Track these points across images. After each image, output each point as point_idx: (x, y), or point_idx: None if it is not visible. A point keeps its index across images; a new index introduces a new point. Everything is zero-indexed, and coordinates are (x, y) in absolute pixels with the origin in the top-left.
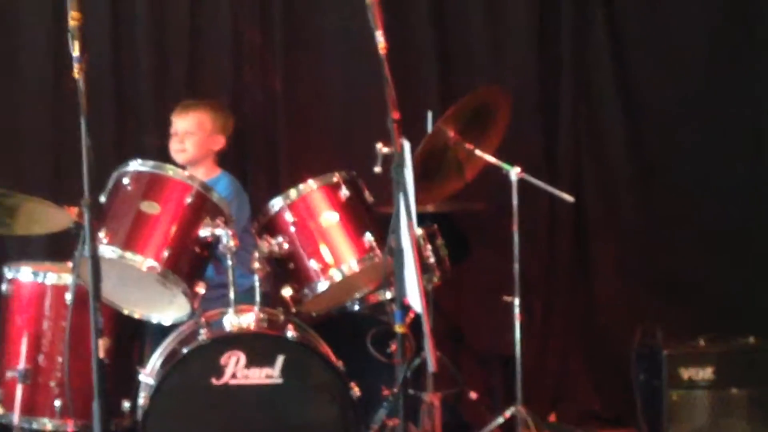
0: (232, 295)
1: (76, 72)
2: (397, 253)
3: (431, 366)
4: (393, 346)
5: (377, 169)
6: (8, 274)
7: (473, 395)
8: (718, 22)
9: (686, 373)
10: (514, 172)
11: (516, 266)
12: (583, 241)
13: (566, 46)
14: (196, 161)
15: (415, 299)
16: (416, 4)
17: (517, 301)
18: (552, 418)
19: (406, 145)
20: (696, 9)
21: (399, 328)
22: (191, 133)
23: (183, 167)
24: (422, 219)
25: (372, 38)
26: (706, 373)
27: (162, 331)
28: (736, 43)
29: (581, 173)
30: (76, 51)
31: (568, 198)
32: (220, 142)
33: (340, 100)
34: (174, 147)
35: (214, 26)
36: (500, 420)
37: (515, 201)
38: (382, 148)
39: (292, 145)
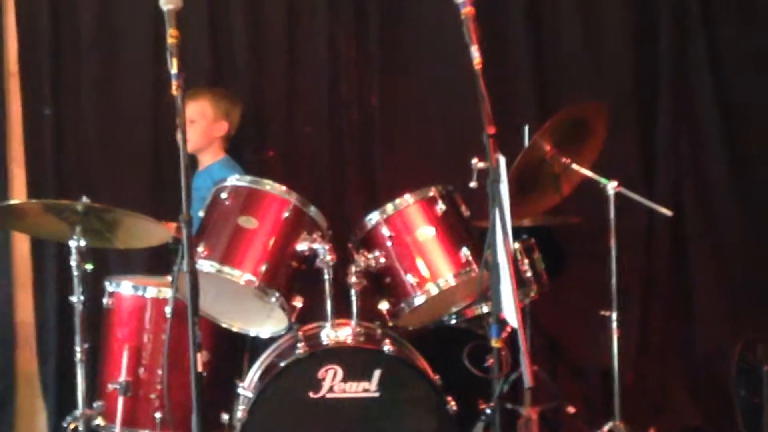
0: (329, 308)
1: (174, 89)
2: (493, 268)
3: (527, 381)
4: (490, 361)
5: (473, 184)
6: (109, 287)
7: (571, 409)
8: None
9: None
10: (611, 186)
11: (613, 280)
12: (681, 254)
13: (664, 59)
14: (200, 148)
15: (510, 314)
16: (511, 19)
17: (614, 316)
18: None
19: (502, 160)
20: None
21: (495, 343)
22: (193, 121)
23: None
24: (519, 233)
25: (467, 53)
26: None
27: (260, 345)
28: None
29: (680, 187)
30: (174, 68)
31: (666, 212)
32: (223, 128)
33: (435, 115)
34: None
35: (312, 44)
36: None
37: (612, 215)
38: (477, 163)
39: (389, 161)
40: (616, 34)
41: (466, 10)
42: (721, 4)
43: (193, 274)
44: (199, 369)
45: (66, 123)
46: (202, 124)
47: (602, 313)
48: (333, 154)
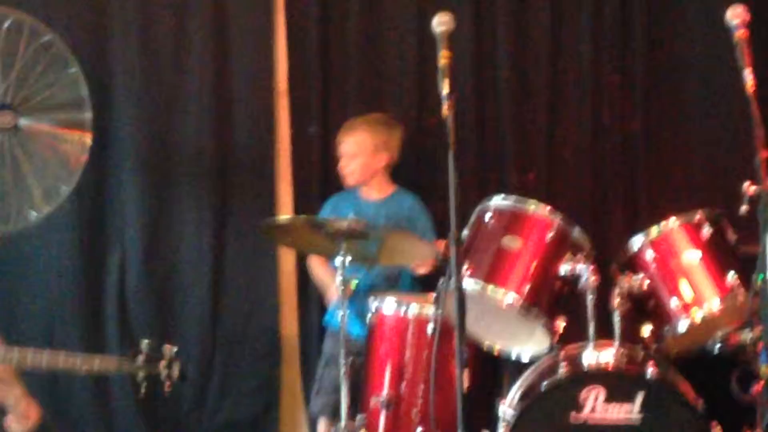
0: (591, 330)
1: (446, 109)
2: (762, 293)
3: None
4: (757, 388)
5: (744, 209)
6: (373, 303)
7: None
8: None
9: None
10: None
11: None
12: None
13: None
14: (365, 181)
15: None
16: None
17: None
18: None
19: None
20: None
21: (765, 369)
22: (354, 154)
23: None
24: None
25: (733, 76)
26: None
27: (520, 365)
28: None
29: None
30: (445, 89)
31: None
32: (384, 159)
33: (699, 139)
34: (342, 170)
35: (575, 70)
36: None
37: None
38: (749, 186)
39: (652, 184)
40: None
41: (740, 33)
42: None
43: (460, 291)
44: (465, 387)
45: (332, 140)
46: (363, 158)
47: None
48: (595, 177)
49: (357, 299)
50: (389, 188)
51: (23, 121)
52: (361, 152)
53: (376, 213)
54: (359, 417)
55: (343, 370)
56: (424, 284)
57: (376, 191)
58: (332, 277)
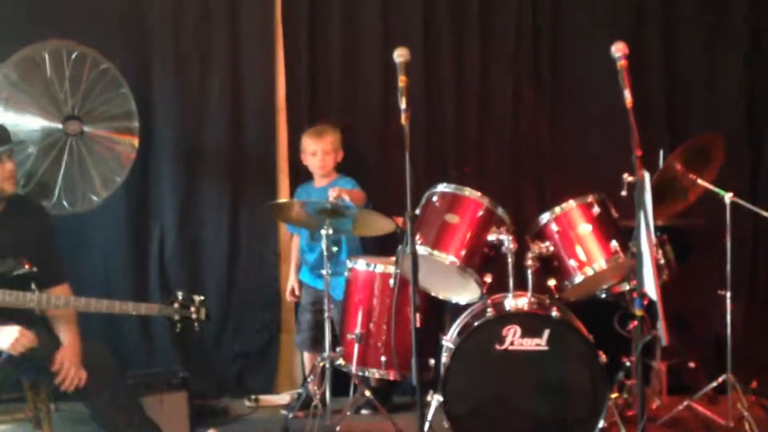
0: (511, 284)
1: (404, 119)
2: (637, 256)
3: (664, 340)
4: (632, 325)
5: (623, 193)
6: (349, 264)
7: (692, 365)
8: None
9: None
10: (728, 197)
11: (728, 267)
12: None
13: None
14: (329, 173)
15: (651, 290)
16: (649, 73)
17: (728, 294)
18: (754, 384)
19: (646, 176)
20: None
21: (638, 312)
22: (328, 152)
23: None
24: (654, 231)
25: (618, 94)
26: None
27: (458, 309)
28: None
29: None
30: (403, 104)
31: None
32: (341, 154)
33: (593, 140)
34: (314, 163)
35: (500, 89)
36: (714, 384)
37: (728, 218)
38: (627, 177)
39: (556, 175)
40: (731, 79)
41: (621, 63)
42: None
43: (414, 254)
44: (417, 325)
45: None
46: (333, 155)
47: (720, 292)
48: (514, 170)
49: (318, 263)
50: (334, 175)
51: (87, 129)
52: (333, 150)
53: (321, 194)
54: (338, 349)
55: (326, 314)
56: (387, 250)
57: (325, 179)
58: (295, 256)
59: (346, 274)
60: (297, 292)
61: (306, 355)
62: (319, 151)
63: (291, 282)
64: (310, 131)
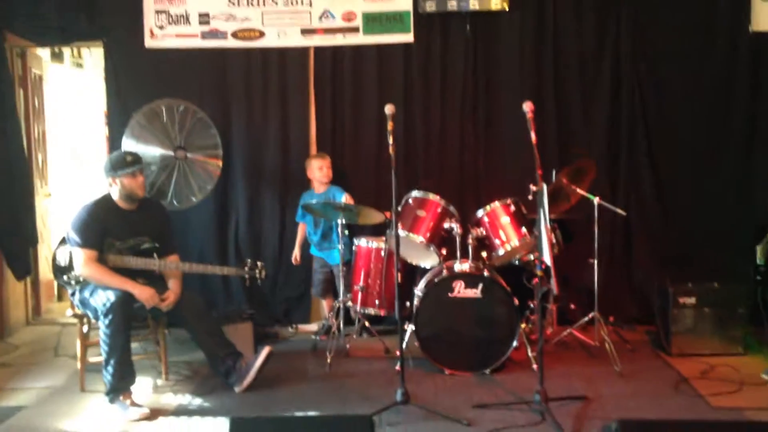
0: (458, 255)
1: (391, 149)
2: (539, 238)
3: (555, 290)
4: (534, 281)
5: (530, 197)
6: (356, 241)
7: (573, 306)
8: None
9: (681, 300)
10: (596, 200)
11: (595, 245)
12: (627, 234)
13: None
14: (327, 182)
15: (547, 258)
16: (547, 120)
17: (596, 261)
18: (611, 318)
19: (545, 186)
20: None
21: (538, 273)
22: (329, 167)
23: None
24: (549, 222)
25: (528, 135)
26: (691, 300)
27: (425, 270)
28: None
29: (628, 199)
30: (390, 139)
31: (621, 212)
32: (331, 173)
33: (511, 160)
34: (320, 175)
35: (452, 122)
36: (586, 319)
37: (596, 214)
38: (533, 187)
39: (487, 184)
40: (603, 113)
41: (529, 115)
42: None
43: (397, 236)
44: (399, 281)
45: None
46: (330, 170)
47: (590, 260)
48: (461, 180)
49: (320, 241)
50: (327, 185)
51: (189, 155)
52: (330, 167)
53: (320, 198)
54: (348, 295)
55: (340, 272)
56: (379, 232)
57: (323, 186)
58: (300, 236)
59: (353, 247)
60: (298, 259)
61: (323, 302)
62: (324, 166)
63: (295, 252)
64: (316, 155)
